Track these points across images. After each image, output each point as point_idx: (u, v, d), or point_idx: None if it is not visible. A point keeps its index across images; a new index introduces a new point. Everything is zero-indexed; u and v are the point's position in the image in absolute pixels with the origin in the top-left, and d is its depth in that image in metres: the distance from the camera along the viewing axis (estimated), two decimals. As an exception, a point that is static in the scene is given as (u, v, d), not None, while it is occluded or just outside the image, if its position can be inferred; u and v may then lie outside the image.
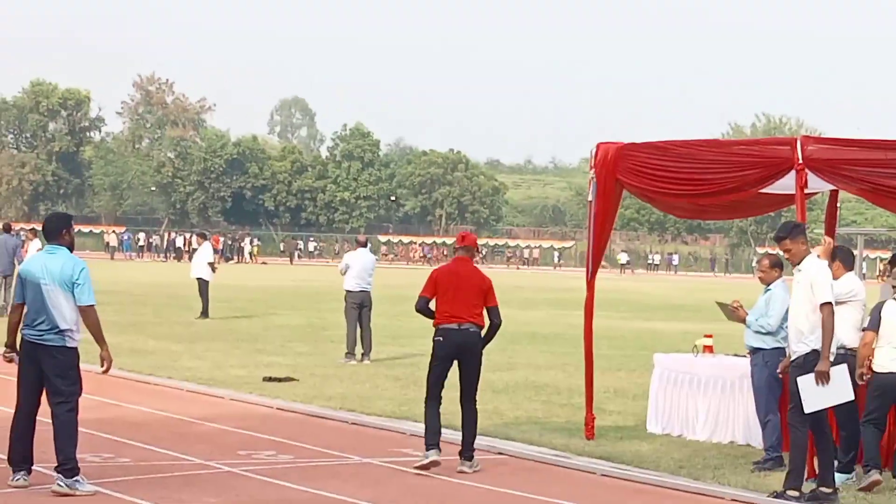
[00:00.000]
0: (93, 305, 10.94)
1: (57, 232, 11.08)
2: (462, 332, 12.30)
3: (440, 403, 12.23)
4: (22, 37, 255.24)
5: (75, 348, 10.92)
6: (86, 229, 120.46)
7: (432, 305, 12.51)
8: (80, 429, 13.36)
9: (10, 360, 11.17)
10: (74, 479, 10.55)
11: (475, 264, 12.91)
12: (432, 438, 12.06)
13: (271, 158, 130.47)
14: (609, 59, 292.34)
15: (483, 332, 12.47)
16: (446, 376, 12.35)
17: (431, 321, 12.56)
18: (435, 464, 11.95)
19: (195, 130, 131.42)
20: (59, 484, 10.53)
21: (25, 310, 10.91)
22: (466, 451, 12.21)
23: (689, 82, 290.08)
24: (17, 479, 10.80)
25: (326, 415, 15.44)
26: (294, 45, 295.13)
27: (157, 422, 14.69)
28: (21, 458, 10.85)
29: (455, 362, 12.38)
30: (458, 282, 12.40)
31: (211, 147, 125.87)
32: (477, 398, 12.45)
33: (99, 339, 11.00)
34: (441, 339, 12.38)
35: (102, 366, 11.21)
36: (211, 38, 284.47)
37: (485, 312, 12.44)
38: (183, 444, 13.01)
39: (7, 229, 31.08)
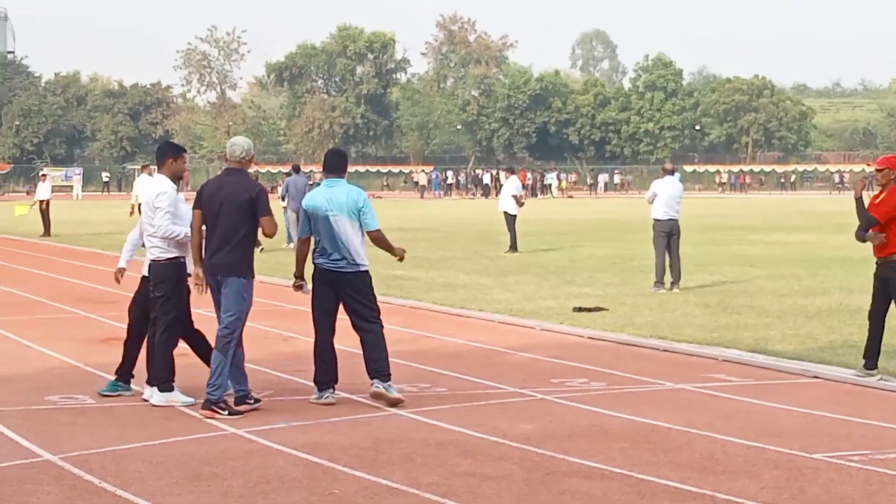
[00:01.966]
0: (379, 229, 11.61)
1: (339, 167, 11.74)
2: None
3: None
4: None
5: (367, 270, 11.61)
6: (395, 169, 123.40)
7: None
8: (397, 360, 13.88)
9: (300, 289, 11.84)
10: (389, 383, 11.42)
11: None
12: None
13: (574, 92, 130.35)
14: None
15: None
16: None
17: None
18: None
19: (498, 68, 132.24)
20: (376, 386, 11.39)
21: (314, 241, 11.54)
22: None
23: None
24: (326, 397, 11.47)
25: (637, 343, 15.46)
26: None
27: (470, 352, 14.99)
28: (328, 378, 11.50)
29: None
30: None
31: (514, 83, 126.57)
32: None
33: (392, 251, 11.86)
34: None
35: (396, 254, 12.00)
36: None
37: None
38: (496, 373, 13.24)
39: (297, 170, 34.14)
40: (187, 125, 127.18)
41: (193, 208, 11.28)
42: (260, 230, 11.21)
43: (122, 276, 12.28)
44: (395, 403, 11.33)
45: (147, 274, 11.67)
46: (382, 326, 11.68)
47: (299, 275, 11.81)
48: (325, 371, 11.53)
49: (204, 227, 11.19)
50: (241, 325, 11.12)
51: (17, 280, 24.47)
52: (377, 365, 11.50)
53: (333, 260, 11.48)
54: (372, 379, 11.51)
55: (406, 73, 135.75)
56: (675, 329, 16.39)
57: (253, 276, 11.26)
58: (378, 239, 11.65)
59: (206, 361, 11.44)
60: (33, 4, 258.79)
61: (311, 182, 35.73)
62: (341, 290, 11.52)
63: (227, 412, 10.89)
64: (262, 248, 11.02)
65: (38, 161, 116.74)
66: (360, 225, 11.53)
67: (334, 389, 11.57)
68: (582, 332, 16.35)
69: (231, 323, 11.02)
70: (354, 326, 11.69)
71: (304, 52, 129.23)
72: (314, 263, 11.64)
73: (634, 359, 14.34)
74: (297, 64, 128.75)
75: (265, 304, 17.94)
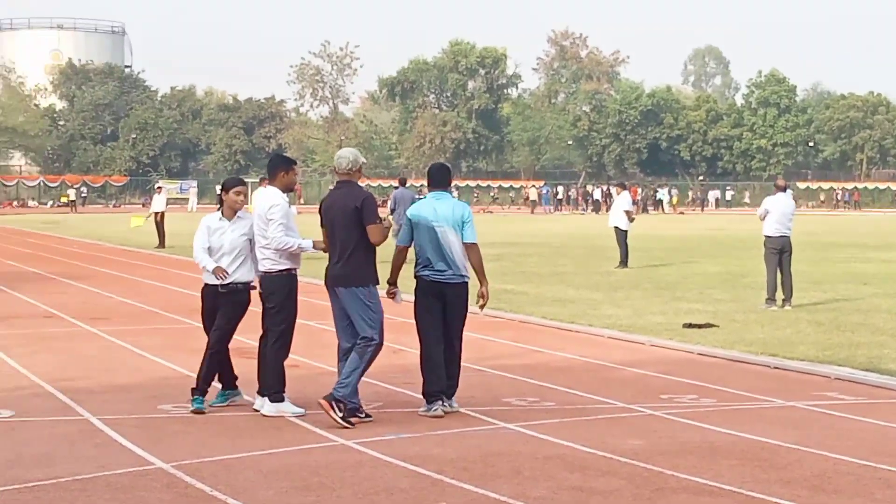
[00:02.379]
0: (476, 243, 11.77)
1: (444, 181, 11.96)
2: None
3: None
4: (441, 1, 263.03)
5: (468, 282, 11.77)
6: (506, 184, 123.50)
7: None
8: (505, 374, 13.90)
9: (393, 296, 11.95)
10: (453, 400, 11.73)
11: None
12: None
13: (686, 108, 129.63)
14: None
15: None
16: None
17: None
18: None
19: (609, 83, 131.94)
20: (445, 404, 11.60)
21: (418, 251, 11.72)
22: None
23: None
24: (435, 410, 11.53)
25: (748, 359, 15.31)
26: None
27: (579, 367, 14.96)
28: (437, 390, 11.58)
29: None
30: None
31: (626, 99, 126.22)
32: None
33: (481, 274, 11.77)
34: None
35: (479, 302, 11.94)
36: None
37: None
38: (605, 388, 13.21)
39: (403, 183, 35.31)
40: (300, 139, 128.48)
41: (321, 226, 11.48)
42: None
43: (223, 273, 11.88)
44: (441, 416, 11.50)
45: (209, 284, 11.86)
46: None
47: (393, 282, 11.94)
48: (435, 383, 11.60)
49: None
50: (379, 331, 11.22)
51: (132, 291, 24.88)
52: (450, 381, 11.73)
53: (438, 271, 11.64)
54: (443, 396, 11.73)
55: (517, 88, 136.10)
56: (787, 346, 16.22)
57: (375, 283, 11.34)
58: (473, 252, 11.76)
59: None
60: (151, 20, 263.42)
61: (418, 196, 36.07)
62: (446, 300, 11.68)
63: (341, 414, 10.98)
64: None
65: (154, 174, 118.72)
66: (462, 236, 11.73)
67: (444, 402, 11.64)
68: (692, 349, 16.25)
69: (367, 329, 11.15)
70: (448, 335, 11.81)
71: (416, 67, 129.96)
72: (417, 276, 11.77)
73: (745, 376, 14.22)
74: (409, 79, 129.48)
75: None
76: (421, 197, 37.34)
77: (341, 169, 11.49)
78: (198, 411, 11.55)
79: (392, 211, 32.57)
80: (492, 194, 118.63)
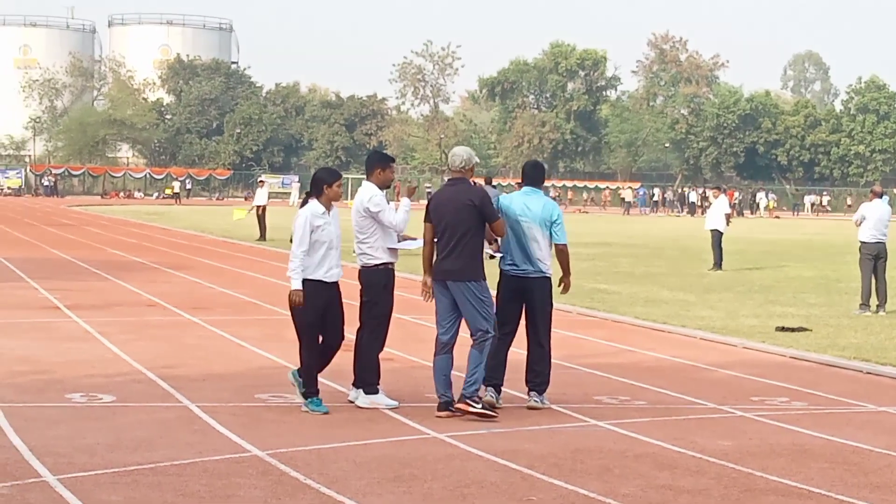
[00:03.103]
0: (566, 244, 11.94)
1: (537, 178, 12.12)
2: None
3: None
4: (542, 2, 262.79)
5: (550, 277, 11.87)
6: (602, 185, 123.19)
7: None
8: (597, 372, 13.99)
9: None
10: (544, 396, 11.80)
11: None
12: None
13: (784, 113, 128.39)
14: None
15: None
16: None
17: None
18: None
19: (708, 87, 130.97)
20: (534, 400, 11.77)
21: (502, 244, 11.84)
22: None
23: None
24: (488, 395, 11.65)
25: (840, 364, 15.27)
26: (801, 1, 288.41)
27: (670, 367, 15.01)
28: (492, 381, 11.72)
29: None
30: None
31: (724, 103, 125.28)
32: None
33: (567, 271, 12.03)
34: None
35: (560, 285, 12.08)
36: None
37: None
38: (696, 389, 13.26)
39: (489, 181, 35.18)
40: (400, 137, 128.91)
41: (424, 221, 11.60)
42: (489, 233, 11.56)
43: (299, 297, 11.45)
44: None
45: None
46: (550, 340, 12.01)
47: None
48: (491, 376, 11.72)
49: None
50: (493, 323, 11.38)
51: (233, 282, 25.26)
52: (540, 378, 11.86)
53: (518, 265, 11.81)
54: (530, 391, 11.87)
55: (616, 90, 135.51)
56: (880, 352, 16.13)
57: (484, 278, 11.48)
58: (562, 253, 11.92)
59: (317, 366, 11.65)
60: (258, 17, 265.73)
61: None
62: (527, 296, 11.82)
63: (479, 405, 11.20)
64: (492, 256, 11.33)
65: (257, 168, 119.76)
66: (550, 236, 11.83)
67: (531, 396, 11.86)
68: (784, 352, 16.22)
69: (482, 322, 11.30)
70: (528, 334, 11.98)
71: (517, 67, 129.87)
72: (501, 269, 11.96)
73: (837, 380, 14.20)
74: (509, 79, 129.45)
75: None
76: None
77: (455, 166, 11.63)
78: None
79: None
80: (588, 196, 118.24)
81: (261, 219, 41.52)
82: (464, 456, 9.81)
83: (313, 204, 11.52)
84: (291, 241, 11.67)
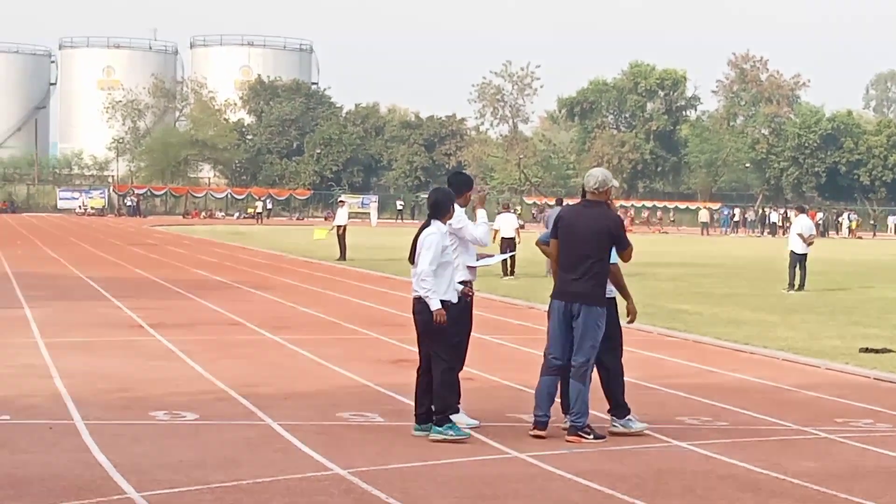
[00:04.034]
0: (629, 250, 11.56)
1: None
2: None
3: None
4: (621, 22, 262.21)
5: (614, 298, 11.66)
6: (682, 206, 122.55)
7: None
8: (679, 392, 13.91)
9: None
10: (627, 418, 11.57)
11: None
12: None
13: (866, 133, 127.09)
14: None
15: None
16: None
17: None
18: None
19: (789, 107, 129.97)
20: (614, 424, 11.58)
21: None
22: None
23: None
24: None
25: (927, 387, 15.11)
26: (883, 20, 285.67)
27: (752, 388, 14.89)
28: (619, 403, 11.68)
29: None
30: None
31: (805, 123, 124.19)
32: None
33: (625, 292, 11.71)
34: None
35: (628, 317, 11.88)
36: (804, 15, 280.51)
37: None
38: (779, 410, 13.14)
39: (559, 203, 35.06)
40: (479, 157, 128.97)
41: (551, 237, 11.61)
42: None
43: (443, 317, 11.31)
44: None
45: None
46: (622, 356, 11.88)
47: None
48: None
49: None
50: (595, 354, 11.33)
51: (314, 301, 25.39)
52: (618, 399, 11.67)
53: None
54: (612, 416, 11.70)
55: (696, 110, 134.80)
56: (968, 375, 15.92)
57: (605, 305, 11.44)
58: (617, 269, 11.65)
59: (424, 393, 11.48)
60: (338, 39, 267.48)
61: None
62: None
63: (591, 436, 11.19)
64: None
65: (337, 188, 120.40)
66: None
67: (613, 422, 11.74)
68: (868, 373, 16.04)
69: (588, 351, 11.24)
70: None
71: (596, 87, 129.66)
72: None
73: (923, 403, 14.03)
74: (589, 99, 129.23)
75: (537, 329, 18.14)
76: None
77: (589, 187, 11.55)
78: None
79: (547, 226, 32.61)
80: (658, 215, 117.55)
81: (341, 238, 41.75)
82: (546, 476, 9.79)
83: (439, 224, 11.36)
84: (411, 260, 11.46)
